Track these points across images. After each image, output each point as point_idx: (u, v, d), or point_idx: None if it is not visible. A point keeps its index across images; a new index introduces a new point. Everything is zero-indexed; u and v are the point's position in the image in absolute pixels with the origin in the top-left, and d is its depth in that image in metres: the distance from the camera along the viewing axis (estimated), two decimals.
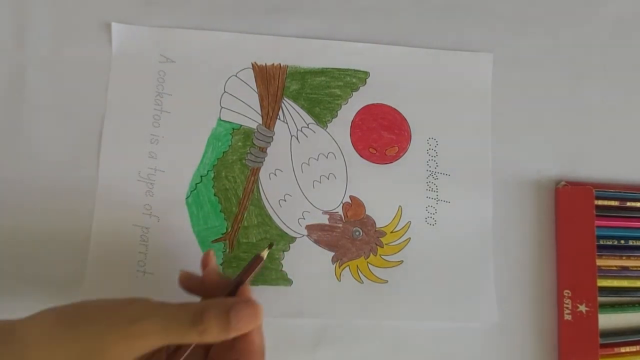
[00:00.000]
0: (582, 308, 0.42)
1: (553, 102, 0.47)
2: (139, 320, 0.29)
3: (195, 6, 0.44)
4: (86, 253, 0.41)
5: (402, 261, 0.43)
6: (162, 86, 0.44)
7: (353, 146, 0.45)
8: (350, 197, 0.44)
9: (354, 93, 0.45)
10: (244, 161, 0.44)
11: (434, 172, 0.45)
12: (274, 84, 0.45)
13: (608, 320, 0.44)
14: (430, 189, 0.45)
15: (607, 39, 0.49)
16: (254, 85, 0.45)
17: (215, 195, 0.43)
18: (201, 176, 0.43)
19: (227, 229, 0.43)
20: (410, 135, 0.45)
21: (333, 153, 0.44)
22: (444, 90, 0.46)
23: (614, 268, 0.44)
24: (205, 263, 0.35)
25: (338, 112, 0.45)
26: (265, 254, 0.35)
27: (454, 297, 0.43)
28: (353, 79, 0.45)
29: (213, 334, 0.29)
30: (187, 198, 0.43)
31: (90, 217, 0.41)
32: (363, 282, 0.43)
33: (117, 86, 0.43)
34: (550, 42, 0.48)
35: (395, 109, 0.46)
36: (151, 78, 0.43)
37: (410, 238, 0.44)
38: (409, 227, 0.44)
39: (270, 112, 0.45)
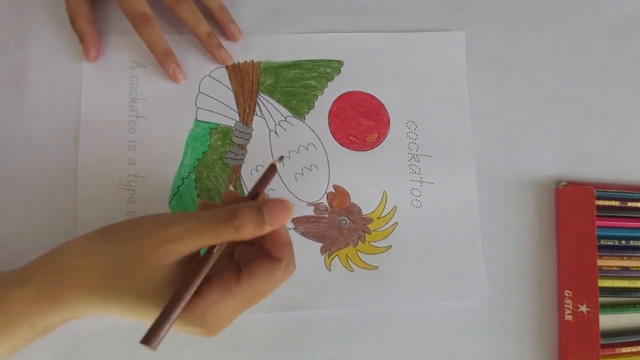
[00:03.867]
0: (583, 308, 0.42)
1: (554, 102, 0.47)
2: (172, 225, 0.31)
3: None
4: None
5: (390, 246, 0.43)
6: (136, 92, 0.43)
7: (332, 135, 0.45)
8: (334, 186, 0.44)
9: (329, 83, 0.45)
10: (224, 160, 0.43)
11: (415, 155, 0.45)
12: (249, 81, 0.45)
13: (609, 320, 0.44)
14: (413, 171, 0.44)
15: (607, 39, 0.49)
16: (228, 83, 0.45)
17: (198, 196, 0.43)
18: (182, 178, 0.43)
19: None
20: (389, 120, 0.45)
21: (313, 144, 0.44)
22: (418, 71, 0.46)
23: (615, 268, 0.44)
24: (224, 194, 0.37)
25: (314, 103, 0.45)
26: (278, 163, 0.36)
27: (445, 277, 0.43)
28: (327, 69, 0.45)
29: (249, 228, 0.31)
30: (170, 202, 0.42)
31: (74, 227, 0.41)
32: (354, 270, 0.43)
33: (90, 95, 0.43)
34: (551, 42, 0.48)
35: (371, 95, 0.45)
36: (124, 84, 0.43)
37: (397, 222, 0.44)
38: (395, 211, 0.44)
39: (246, 109, 0.44)
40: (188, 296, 0.30)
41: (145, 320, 0.31)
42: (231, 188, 0.37)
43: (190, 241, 0.31)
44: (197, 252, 0.33)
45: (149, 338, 0.29)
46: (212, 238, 0.31)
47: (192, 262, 0.33)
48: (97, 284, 0.32)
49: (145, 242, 0.31)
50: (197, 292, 0.31)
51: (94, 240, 0.33)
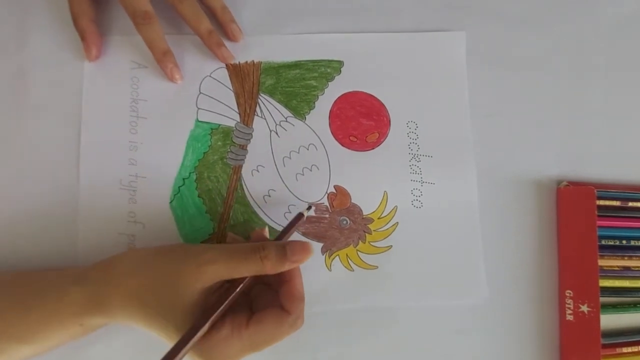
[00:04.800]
0: (584, 308, 0.42)
1: (554, 102, 0.47)
2: (208, 250, 0.35)
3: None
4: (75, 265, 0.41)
5: (391, 246, 0.43)
6: (137, 92, 0.43)
7: (333, 136, 0.45)
8: (335, 186, 0.44)
9: (329, 83, 0.45)
10: (225, 160, 0.43)
11: (416, 155, 0.45)
12: (249, 81, 0.45)
13: (610, 320, 0.44)
14: (414, 171, 0.44)
15: (607, 39, 0.49)
16: (229, 84, 0.45)
17: (199, 196, 0.43)
18: (183, 179, 0.43)
19: (214, 230, 0.42)
20: (390, 120, 0.45)
21: (314, 144, 0.44)
22: (419, 72, 0.46)
23: (616, 268, 0.44)
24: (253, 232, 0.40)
25: (315, 103, 0.45)
26: (306, 213, 0.40)
27: (445, 277, 0.43)
28: (328, 69, 0.45)
29: (272, 260, 0.34)
30: (171, 202, 0.42)
31: (75, 229, 0.41)
32: (354, 270, 0.43)
33: (91, 96, 0.43)
34: (551, 42, 0.48)
35: (372, 95, 0.45)
36: (125, 85, 0.43)
37: (398, 223, 0.44)
38: (395, 211, 0.44)
39: (247, 109, 0.44)
40: (204, 329, 0.33)
41: (163, 338, 0.34)
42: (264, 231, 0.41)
43: (220, 266, 0.34)
44: (221, 287, 0.35)
45: None
46: (240, 264, 0.34)
47: (215, 295, 0.35)
48: (135, 297, 0.34)
49: (181, 266, 0.34)
50: (212, 326, 0.33)
51: (145, 257, 0.36)
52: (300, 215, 0.40)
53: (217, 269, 0.34)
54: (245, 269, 0.34)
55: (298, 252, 0.35)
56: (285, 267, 0.35)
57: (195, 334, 0.32)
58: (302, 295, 0.36)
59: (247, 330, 0.34)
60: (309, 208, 0.41)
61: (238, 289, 0.35)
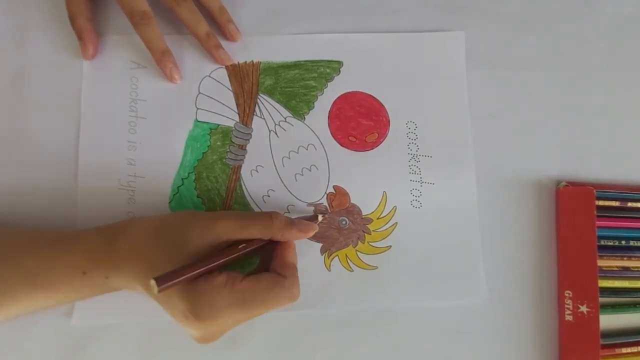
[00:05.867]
0: (583, 309, 0.42)
1: (554, 102, 0.47)
2: (218, 212, 0.39)
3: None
4: None
5: (390, 246, 0.43)
6: (136, 92, 0.43)
7: (332, 136, 0.45)
8: (334, 187, 0.44)
9: (328, 83, 0.45)
10: (224, 160, 0.43)
11: (415, 155, 0.45)
12: (249, 81, 0.45)
13: (609, 320, 0.44)
14: (413, 172, 0.44)
15: (607, 39, 0.49)
16: (228, 84, 0.45)
17: (198, 196, 0.43)
18: (182, 179, 0.43)
19: None
20: (389, 120, 0.45)
21: (313, 144, 0.44)
22: (418, 72, 0.46)
23: (615, 268, 0.44)
24: None
25: (314, 103, 0.45)
26: (320, 218, 0.42)
27: (445, 277, 0.43)
28: (327, 70, 0.45)
29: (282, 222, 0.37)
30: (170, 202, 0.42)
31: (74, 228, 0.41)
32: (353, 270, 0.43)
33: (90, 96, 0.43)
34: (551, 42, 0.48)
35: (371, 96, 0.45)
36: (124, 85, 0.43)
37: (397, 223, 0.44)
38: (395, 212, 0.44)
39: (246, 109, 0.44)
40: (207, 264, 0.33)
41: (164, 306, 0.34)
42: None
43: (232, 222, 0.35)
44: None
45: (160, 278, 0.31)
46: (250, 223, 0.36)
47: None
48: (141, 252, 0.35)
49: (192, 220, 0.36)
50: (206, 272, 0.34)
51: (151, 227, 0.36)
52: (315, 216, 0.41)
53: (228, 224, 0.35)
54: (255, 229, 0.36)
55: (304, 224, 0.38)
56: (292, 233, 0.37)
57: (195, 268, 0.32)
58: (294, 263, 0.38)
59: (240, 284, 0.34)
60: (323, 213, 0.43)
61: (239, 250, 0.35)
